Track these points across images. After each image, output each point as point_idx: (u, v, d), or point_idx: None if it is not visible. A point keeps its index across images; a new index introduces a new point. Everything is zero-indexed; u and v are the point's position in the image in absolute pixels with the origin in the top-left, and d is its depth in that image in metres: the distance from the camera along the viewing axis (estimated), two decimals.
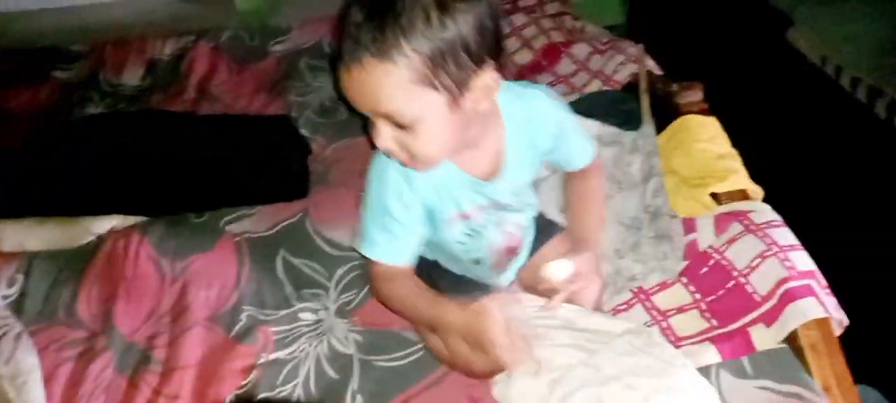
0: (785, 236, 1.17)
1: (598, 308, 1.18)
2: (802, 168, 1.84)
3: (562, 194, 1.26)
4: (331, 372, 1.15)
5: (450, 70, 0.80)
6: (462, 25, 0.79)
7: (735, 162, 1.35)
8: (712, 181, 1.31)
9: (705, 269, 1.20)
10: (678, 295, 1.19)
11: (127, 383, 1.17)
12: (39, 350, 1.21)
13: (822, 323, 1.06)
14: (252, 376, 1.16)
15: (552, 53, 1.80)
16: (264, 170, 1.54)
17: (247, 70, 1.93)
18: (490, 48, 0.83)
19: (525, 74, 1.77)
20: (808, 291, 1.07)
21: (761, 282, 1.12)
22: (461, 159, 0.97)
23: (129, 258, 1.35)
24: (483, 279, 1.18)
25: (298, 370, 1.16)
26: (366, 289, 1.27)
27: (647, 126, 1.47)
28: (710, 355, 1.07)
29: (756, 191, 1.31)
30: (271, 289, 1.29)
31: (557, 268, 1.00)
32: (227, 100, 1.82)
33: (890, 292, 1.48)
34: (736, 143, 1.39)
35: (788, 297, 1.07)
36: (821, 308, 1.05)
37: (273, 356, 1.18)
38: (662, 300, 1.19)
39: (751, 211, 1.23)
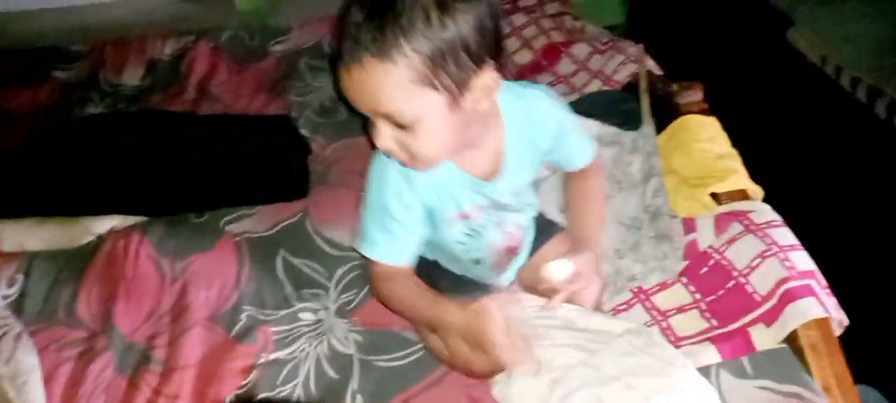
0: (785, 236, 1.17)
1: (598, 308, 1.18)
2: (802, 168, 1.84)
3: (562, 194, 1.27)
4: (331, 372, 1.15)
5: (450, 70, 0.80)
6: (462, 25, 0.79)
7: (735, 162, 1.35)
8: (712, 181, 1.31)
9: (705, 269, 1.20)
10: (678, 295, 1.19)
11: (127, 383, 1.17)
12: (39, 350, 1.21)
13: (822, 323, 1.06)
14: (252, 376, 1.16)
15: (552, 53, 1.80)
16: (264, 170, 1.54)
17: (247, 70, 1.93)
18: (490, 48, 0.83)
19: (525, 74, 1.77)
20: (808, 291, 1.07)
21: (761, 282, 1.12)
22: (461, 159, 0.97)
23: (129, 258, 1.35)
24: (483, 279, 1.18)
25: (298, 370, 1.16)
26: (366, 289, 1.27)
27: (647, 126, 1.47)
28: (710, 355, 1.07)
29: (756, 191, 1.31)
30: (271, 289, 1.29)
31: (557, 268, 1.00)
32: (227, 100, 1.82)
33: (890, 292, 1.48)
34: (736, 143, 1.40)
35: (788, 297, 1.07)
36: (821, 308, 1.05)
37: (273, 356, 1.18)
38: (662, 300, 1.19)
39: (751, 211, 1.23)
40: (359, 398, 1.12)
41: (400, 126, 0.84)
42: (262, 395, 1.13)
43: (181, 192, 1.50)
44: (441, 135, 0.86)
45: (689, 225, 1.28)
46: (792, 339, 1.06)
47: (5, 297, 1.32)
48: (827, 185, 1.80)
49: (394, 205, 0.97)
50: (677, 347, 1.09)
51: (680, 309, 1.17)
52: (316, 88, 1.80)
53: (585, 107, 1.57)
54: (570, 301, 1.09)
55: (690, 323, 1.15)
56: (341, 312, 1.25)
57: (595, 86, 1.65)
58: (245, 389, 1.14)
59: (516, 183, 1.04)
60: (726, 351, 1.07)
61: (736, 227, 1.21)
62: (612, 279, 1.24)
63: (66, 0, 2.36)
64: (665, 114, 1.48)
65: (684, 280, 1.21)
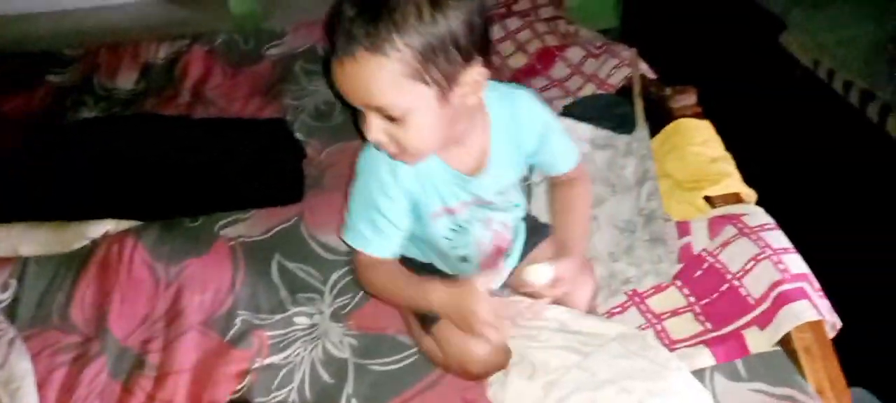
0: (778, 239, 1.17)
1: (592, 310, 1.19)
2: (795, 171, 1.84)
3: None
4: (325, 377, 1.15)
5: (440, 64, 0.82)
6: (452, 21, 0.81)
7: (728, 165, 1.36)
8: (706, 184, 1.32)
9: (699, 272, 1.20)
10: (672, 298, 1.20)
11: (121, 388, 1.16)
12: (33, 355, 1.21)
13: (816, 326, 1.06)
14: (246, 381, 1.15)
15: (546, 57, 1.81)
16: (259, 173, 1.54)
17: (241, 74, 1.93)
18: (478, 44, 0.85)
19: (519, 78, 1.77)
20: (801, 294, 1.08)
21: (755, 285, 1.12)
22: (447, 154, 0.98)
23: (124, 262, 1.34)
24: None
25: (293, 374, 1.16)
26: (361, 294, 1.27)
27: (641, 129, 1.47)
28: (705, 358, 1.07)
29: (750, 194, 1.32)
30: (266, 294, 1.29)
31: (538, 272, 1.02)
32: (222, 103, 1.82)
33: (883, 295, 1.49)
34: (729, 147, 1.40)
35: (782, 300, 1.07)
36: (814, 310, 1.06)
37: (268, 360, 1.18)
38: (657, 303, 1.20)
39: (744, 215, 1.24)
40: (354, 402, 1.12)
41: (390, 118, 0.86)
42: (257, 400, 1.13)
43: (176, 196, 1.50)
44: (430, 128, 0.88)
45: (683, 229, 1.28)
46: (786, 342, 1.06)
47: None
48: (820, 188, 1.81)
49: (379, 198, 0.99)
50: (672, 350, 1.09)
51: (674, 312, 1.17)
52: (311, 92, 1.80)
53: (579, 110, 1.57)
54: (562, 303, 1.10)
55: (685, 326, 1.15)
56: (336, 316, 1.25)
57: (589, 89, 1.66)
58: (240, 394, 1.14)
59: (500, 181, 1.04)
60: (720, 354, 1.07)
61: (730, 230, 1.22)
62: (606, 282, 1.24)
63: (59, 4, 2.35)
64: (659, 118, 1.49)
65: (678, 283, 1.21)
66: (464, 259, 1.10)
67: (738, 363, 1.07)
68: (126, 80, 1.94)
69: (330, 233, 1.39)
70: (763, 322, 1.08)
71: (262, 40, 2.04)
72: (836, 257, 1.25)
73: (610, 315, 1.19)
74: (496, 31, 1.92)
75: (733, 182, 1.32)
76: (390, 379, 1.14)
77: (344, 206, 1.05)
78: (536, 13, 2.01)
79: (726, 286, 1.16)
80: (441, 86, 0.84)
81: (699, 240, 1.25)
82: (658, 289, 1.21)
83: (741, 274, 1.15)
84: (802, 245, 1.17)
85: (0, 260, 1.38)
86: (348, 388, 1.13)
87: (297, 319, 1.25)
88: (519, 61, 1.84)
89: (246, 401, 1.13)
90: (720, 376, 1.06)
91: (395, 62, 0.80)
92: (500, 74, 1.78)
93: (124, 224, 1.43)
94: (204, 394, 1.13)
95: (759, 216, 1.23)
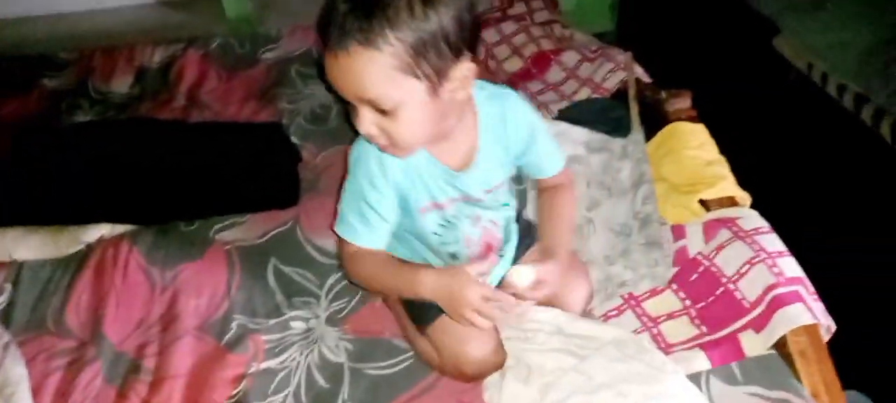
0: (773, 242, 1.18)
1: (587, 314, 1.19)
2: (789, 174, 1.85)
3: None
4: (321, 381, 1.15)
5: (430, 59, 0.85)
6: (443, 17, 0.83)
7: (723, 168, 1.36)
8: (701, 187, 1.32)
9: (695, 276, 1.21)
10: (668, 301, 1.20)
11: (116, 393, 1.16)
12: (28, 360, 1.21)
13: (811, 329, 1.07)
14: (242, 385, 1.15)
15: (542, 61, 1.81)
16: (255, 177, 1.54)
17: (236, 77, 1.93)
18: (468, 40, 0.88)
19: (515, 82, 1.77)
20: (796, 297, 1.08)
21: (750, 289, 1.13)
22: (436, 149, 1.00)
23: (119, 267, 1.34)
24: None
25: (289, 379, 1.16)
26: (357, 298, 1.27)
27: (637, 133, 1.48)
28: (700, 361, 1.07)
29: (744, 197, 1.32)
30: (262, 298, 1.29)
31: (520, 274, 1.03)
32: (217, 107, 1.82)
33: (877, 297, 1.49)
34: (723, 150, 1.41)
35: (777, 303, 1.08)
36: (809, 314, 1.06)
37: (264, 365, 1.18)
38: (653, 306, 1.20)
39: (739, 218, 1.24)
40: None
41: (382, 112, 0.88)
42: None
43: (171, 200, 1.49)
44: (420, 121, 0.90)
45: (678, 232, 1.29)
46: (781, 345, 1.07)
47: None
48: (814, 192, 1.82)
49: (368, 191, 1.01)
50: (668, 353, 1.09)
51: (670, 316, 1.18)
52: (307, 96, 1.80)
53: (575, 114, 1.58)
54: (552, 305, 1.11)
55: (680, 329, 1.15)
56: (332, 320, 1.25)
57: (584, 93, 1.66)
58: (236, 398, 1.14)
59: (488, 178, 1.06)
60: (716, 358, 1.07)
61: (724, 234, 1.22)
62: (602, 285, 1.25)
63: (54, 7, 2.35)
64: (654, 122, 1.49)
65: (674, 286, 1.22)
66: (454, 255, 1.12)
67: (734, 366, 1.07)
68: (121, 84, 1.94)
69: (326, 237, 1.39)
70: (758, 325, 1.08)
71: (257, 44, 2.03)
72: (830, 260, 1.26)
73: (606, 318, 1.20)
74: (492, 35, 1.92)
75: (728, 185, 1.33)
76: (386, 383, 1.14)
77: (339, 204, 1.07)
78: (532, 17, 2.01)
79: (721, 289, 1.16)
80: (431, 80, 0.86)
81: (694, 244, 1.25)
82: (654, 293, 1.22)
83: (736, 277, 1.15)
84: (797, 248, 1.17)
85: None
86: (344, 392, 1.13)
87: (293, 323, 1.24)
88: (514, 65, 1.84)
89: None
90: (716, 379, 1.06)
91: (387, 56, 0.83)
92: (495, 78, 1.79)
93: (120, 228, 1.43)
94: (200, 399, 1.13)
95: (753, 219, 1.24)
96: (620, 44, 1.80)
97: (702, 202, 1.32)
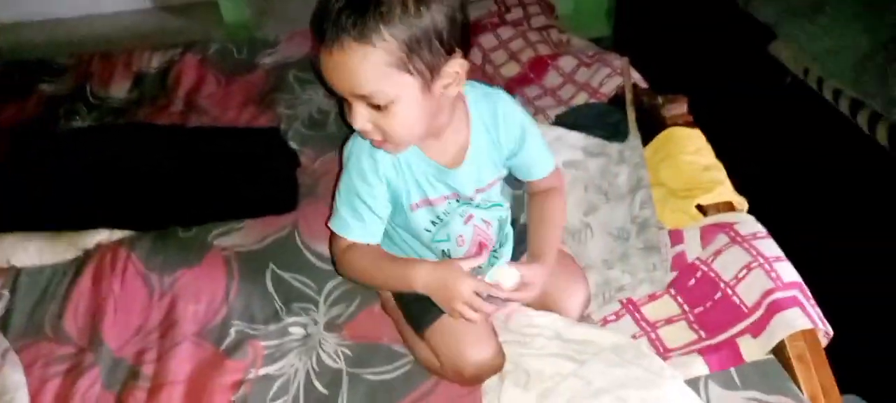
0: (770, 247, 1.18)
1: (585, 318, 1.19)
2: (786, 179, 1.86)
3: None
4: (320, 387, 1.15)
5: (423, 56, 0.87)
6: (436, 15, 0.86)
7: (720, 173, 1.37)
8: (699, 192, 1.33)
9: (693, 281, 1.21)
10: (667, 306, 1.20)
11: (115, 399, 1.16)
12: (26, 366, 1.20)
13: (809, 334, 1.07)
14: (241, 391, 1.15)
15: (539, 66, 1.81)
16: (253, 182, 1.54)
17: (235, 82, 1.92)
18: (459, 38, 0.90)
19: (512, 87, 1.78)
20: (793, 302, 1.08)
21: (748, 294, 1.13)
22: (427, 146, 1.03)
23: (117, 272, 1.34)
24: None
25: (288, 385, 1.16)
26: (355, 303, 1.27)
27: (634, 138, 1.48)
28: (699, 366, 1.08)
29: (741, 202, 1.33)
30: (260, 303, 1.29)
31: (504, 275, 1.05)
32: (215, 112, 1.81)
33: (874, 302, 1.50)
34: (719, 155, 1.41)
35: (774, 308, 1.08)
36: (807, 319, 1.06)
37: (262, 371, 1.18)
38: (651, 311, 1.20)
39: (736, 223, 1.25)
40: None
41: (376, 107, 0.91)
42: None
43: (169, 206, 1.49)
44: (414, 116, 0.93)
45: (676, 237, 1.29)
46: (779, 350, 1.07)
47: None
48: (810, 197, 1.82)
49: (360, 185, 1.04)
50: (666, 359, 1.10)
51: (668, 321, 1.18)
52: (305, 101, 1.80)
53: (572, 119, 1.58)
54: (552, 309, 1.12)
55: (679, 334, 1.15)
56: (330, 326, 1.25)
57: (581, 98, 1.67)
58: None
59: (479, 176, 1.08)
60: (714, 363, 1.08)
61: (722, 239, 1.23)
62: (600, 289, 1.25)
63: (52, 13, 2.35)
64: (650, 127, 1.50)
65: (672, 291, 1.22)
66: (446, 253, 1.13)
67: (732, 371, 1.07)
68: (119, 89, 1.93)
69: (324, 243, 1.38)
70: (756, 330, 1.09)
71: (255, 49, 2.03)
72: (827, 265, 1.26)
73: (605, 322, 1.20)
74: (489, 41, 1.93)
75: (726, 190, 1.33)
76: (384, 389, 1.14)
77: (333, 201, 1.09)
78: (529, 22, 2.02)
79: (719, 294, 1.16)
80: (424, 76, 0.89)
81: (692, 249, 1.26)
82: (652, 298, 1.22)
83: (734, 282, 1.16)
84: (793, 253, 1.18)
85: None
86: (343, 398, 1.13)
87: (291, 329, 1.24)
88: (512, 70, 1.85)
89: None
90: (714, 384, 1.06)
91: (381, 52, 0.85)
92: (492, 83, 1.78)
93: (118, 234, 1.43)
94: None
95: (750, 224, 1.24)
96: (617, 49, 1.81)
97: (699, 207, 1.32)
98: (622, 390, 1.01)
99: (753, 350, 1.08)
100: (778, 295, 1.09)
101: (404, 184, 1.04)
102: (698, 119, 1.50)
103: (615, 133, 1.52)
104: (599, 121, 1.56)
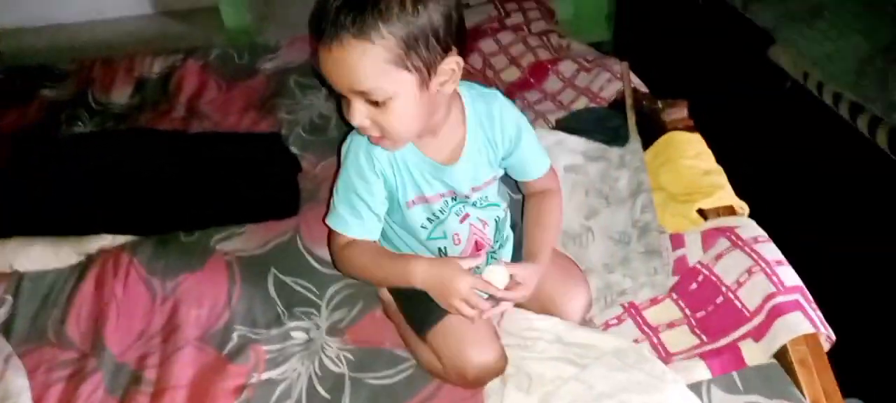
0: (771, 251, 1.18)
1: (587, 322, 1.19)
2: (786, 183, 1.86)
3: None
4: (322, 392, 1.15)
5: (420, 53, 0.89)
6: (433, 13, 0.88)
7: (721, 177, 1.37)
8: (699, 197, 1.33)
9: (694, 285, 1.21)
10: (669, 310, 1.21)
11: None
12: (29, 371, 1.20)
13: (811, 339, 1.07)
14: (243, 396, 1.15)
15: (539, 71, 1.82)
16: (254, 187, 1.54)
17: (236, 88, 1.93)
18: (455, 36, 0.92)
19: (513, 92, 1.78)
20: (795, 306, 1.08)
21: (749, 298, 1.13)
22: (423, 143, 1.04)
23: (119, 277, 1.34)
24: None
25: (291, 390, 1.16)
26: (357, 308, 1.27)
27: (634, 142, 1.48)
28: (701, 371, 1.07)
29: (742, 206, 1.33)
30: (263, 308, 1.29)
31: (495, 274, 1.05)
32: (217, 118, 1.82)
33: (875, 306, 1.50)
34: (719, 159, 1.42)
35: (776, 312, 1.08)
36: (809, 323, 1.06)
37: (265, 375, 1.18)
38: (653, 315, 1.20)
39: (737, 227, 1.25)
40: None
41: (374, 104, 0.92)
42: None
43: (171, 211, 1.49)
44: (411, 113, 0.94)
45: (677, 241, 1.29)
46: (781, 354, 1.07)
47: None
48: (811, 200, 1.83)
49: (357, 182, 1.06)
50: (668, 363, 1.10)
51: (670, 325, 1.18)
52: (306, 106, 1.81)
53: (572, 123, 1.59)
54: (553, 313, 1.12)
55: (681, 338, 1.15)
56: (333, 330, 1.25)
57: (582, 103, 1.67)
58: None
59: (474, 174, 1.09)
60: (716, 367, 1.08)
61: (723, 243, 1.23)
62: (602, 293, 1.25)
63: (53, 18, 2.35)
64: (650, 131, 1.50)
65: (674, 295, 1.22)
66: (442, 252, 1.14)
67: (735, 375, 1.07)
68: (120, 95, 1.94)
69: (326, 247, 1.39)
70: (758, 334, 1.09)
71: (256, 54, 2.04)
72: (828, 269, 1.26)
73: (606, 326, 1.20)
74: (489, 46, 1.94)
75: (726, 194, 1.34)
76: (387, 393, 1.14)
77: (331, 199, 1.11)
78: (529, 27, 2.03)
79: (721, 298, 1.16)
80: (421, 73, 0.91)
81: (693, 253, 1.26)
82: (654, 302, 1.22)
83: (736, 286, 1.16)
84: (795, 257, 1.18)
85: None
86: None
87: (293, 334, 1.24)
88: (512, 75, 1.85)
89: None
90: (717, 388, 1.06)
91: (379, 48, 0.87)
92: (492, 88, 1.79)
93: (120, 239, 1.43)
94: None
95: (751, 228, 1.24)
96: (617, 54, 1.82)
97: (700, 211, 1.32)
98: (624, 394, 1.01)
99: (755, 354, 1.08)
100: (780, 299, 1.10)
101: (401, 181, 1.06)
102: (698, 123, 1.51)
103: (615, 137, 1.52)
104: (600, 125, 1.57)
